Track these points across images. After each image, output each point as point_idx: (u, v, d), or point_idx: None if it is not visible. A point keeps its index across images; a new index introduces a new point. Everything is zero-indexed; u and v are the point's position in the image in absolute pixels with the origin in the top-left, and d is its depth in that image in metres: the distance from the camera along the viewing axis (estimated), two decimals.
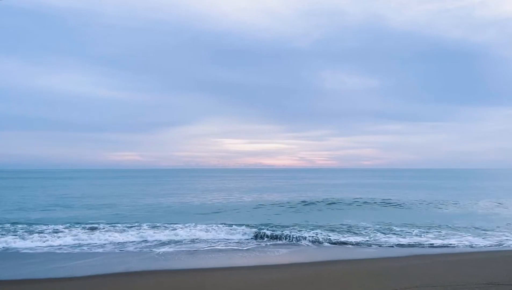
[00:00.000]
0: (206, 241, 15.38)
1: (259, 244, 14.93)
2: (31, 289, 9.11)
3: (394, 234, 16.76)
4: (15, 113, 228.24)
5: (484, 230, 17.88)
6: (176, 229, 17.20)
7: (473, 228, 18.31)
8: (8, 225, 18.10)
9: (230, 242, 15.20)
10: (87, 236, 15.59)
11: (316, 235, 16.17)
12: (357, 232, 17.19)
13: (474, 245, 14.67)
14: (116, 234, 16.07)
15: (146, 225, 18.18)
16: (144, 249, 13.88)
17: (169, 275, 10.22)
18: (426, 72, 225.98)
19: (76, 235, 15.74)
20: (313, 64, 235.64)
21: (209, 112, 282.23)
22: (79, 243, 14.73)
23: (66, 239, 15.18)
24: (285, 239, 15.77)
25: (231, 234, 16.44)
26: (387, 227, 18.45)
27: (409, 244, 14.81)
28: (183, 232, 16.61)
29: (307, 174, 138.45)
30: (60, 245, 14.45)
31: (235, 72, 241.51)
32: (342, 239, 15.56)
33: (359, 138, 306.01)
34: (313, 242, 15.34)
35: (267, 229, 17.10)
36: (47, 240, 14.92)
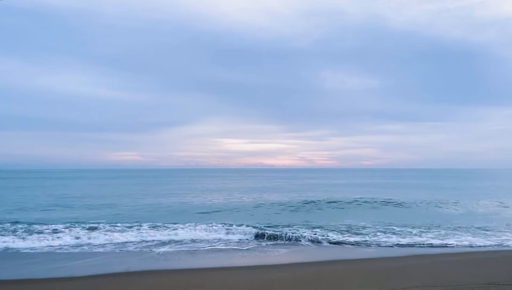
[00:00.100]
0: (206, 241, 15.39)
1: (259, 244, 14.93)
2: (31, 289, 9.11)
3: (394, 234, 16.76)
4: (15, 113, 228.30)
5: (484, 230, 17.88)
6: (176, 229, 17.21)
7: (473, 228, 18.31)
8: (8, 225, 18.09)
9: (230, 242, 15.21)
10: (87, 236, 15.59)
11: (316, 235, 16.17)
12: (357, 232, 17.19)
13: (474, 245, 14.66)
14: (116, 234, 16.07)
15: (146, 225, 18.18)
16: (144, 249, 13.88)
17: (169, 275, 10.23)
18: (426, 72, 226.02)
19: (76, 235, 15.74)
20: (313, 64, 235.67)
21: (209, 112, 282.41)
22: (79, 243, 14.74)
23: (66, 239, 15.18)
24: (285, 239, 15.78)
25: (231, 234, 16.45)
26: (387, 227, 18.45)
27: (409, 244, 14.82)
28: (183, 232, 16.62)
29: (307, 174, 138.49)
30: (60, 245, 14.46)
31: (235, 72, 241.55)
32: (342, 239, 15.56)
33: (359, 138, 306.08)
34: (313, 242, 15.34)
35: (267, 229, 17.10)
36: (47, 240, 14.93)
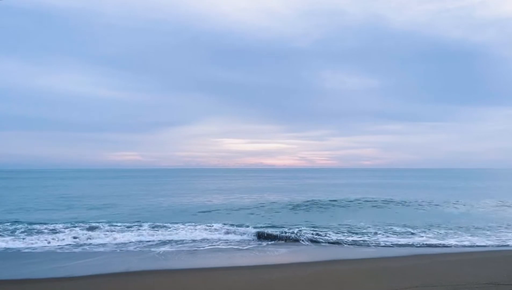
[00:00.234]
0: (206, 240, 15.39)
1: (259, 244, 14.93)
2: (31, 288, 9.11)
3: (394, 234, 16.76)
4: (15, 113, 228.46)
5: (484, 230, 17.87)
6: (176, 229, 17.21)
7: (473, 228, 18.31)
8: (8, 224, 18.12)
9: (230, 242, 15.21)
10: (87, 236, 15.59)
11: (316, 235, 16.17)
12: (357, 232, 17.19)
13: (474, 245, 14.66)
14: (116, 234, 16.07)
15: (147, 225, 18.18)
16: (144, 249, 13.89)
17: (169, 275, 10.23)
18: (426, 72, 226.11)
19: (76, 235, 15.74)
20: (313, 64, 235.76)
21: (209, 112, 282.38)
22: (79, 243, 14.75)
23: (66, 239, 15.19)
24: (285, 239, 15.78)
25: (231, 234, 16.44)
26: (387, 227, 18.45)
27: (409, 244, 14.81)
28: (183, 232, 16.62)
29: (308, 174, 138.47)
30: (60, 245, 14.46)
31: (235, 72, 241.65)
32: (342, 239, 15.56)
33: (359, 138, 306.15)
34: (313, 242, 15.34)
35: (268, 229, 17.10)
36: (47, 240, 14.93)
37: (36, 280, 9.78)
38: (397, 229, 17.88)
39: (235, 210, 25.75)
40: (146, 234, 16.22)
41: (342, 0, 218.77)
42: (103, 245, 14.56)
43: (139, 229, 17.13)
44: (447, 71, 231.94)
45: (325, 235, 16.14)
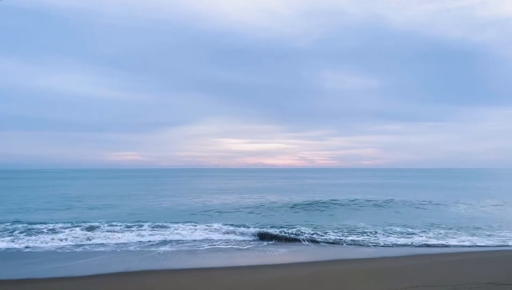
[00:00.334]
0: (206, 240, 15.39)
1: (259, 244, 14.94)
2: (31, 288, 9.11)
3: (394, 234, 16.76)
4: (15, 113, 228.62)
5: (484, 230, 17.88)
6: (176, 229, 17.22)
7: (473, 228, 18.31)
8: (8, 224, 18.12)
9: (230, 242, 15.21)
10: (87, 236, 15.59)
11: (316, 235, 16.18)
12: (357, 232, 17.18)
13: (474, 245, 14.66)
14: (117, 234, 16.08)
15: (147, 224, 18.19)
16: (144, 249, 13.89)
17: (170, 275, 10.23)
18: (426, 72, 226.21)
19: (76, 235, 15.74)
20: (313, 64, 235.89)
21: (209, 112, 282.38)
22: (79, 243, 14.74)
23: (66, 238, 15.18)
24: (285, 239, 15.78)
25: (231, 234, 16.44)
26: (387, 227, 18.45)
27: (409, 244, 14.81)
28: (183, 232, 16.62)
29: (308, 173, 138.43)
30: (60, 245, 14.46)
31: (235, 72, 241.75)
32: (342, 239, 15.56)
33: (359, 138, 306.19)
34: (313, 241, 15.34)
35: (268, 229, 17.10)
36: (47, 240, 14.93)
37: (36, 280, 9.78)
38: (397, 229, 17.88)
39: (235, 210, 25.75)
40: (146, 234, 16.21)
41: (342, 0, 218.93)
42: (103, 245, 14.57)
43: (139, 229, 17.14)
44: (447, 71, 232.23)
45: (325, 235, 16.14)
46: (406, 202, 29.82)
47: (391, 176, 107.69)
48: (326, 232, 16.78)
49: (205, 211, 25.07)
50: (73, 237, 15.42)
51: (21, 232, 16.30)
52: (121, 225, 18.05)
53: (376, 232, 17.01)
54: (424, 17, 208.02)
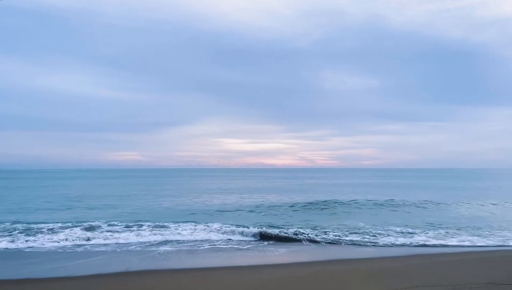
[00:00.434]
0: (206, 240, 15.39)
1: (259, 244, 14.94)
2: (31, 288, 9.11)
3: (394, 234, 16.76)
4: (15, 113, 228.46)
5: (484, 230, 17.88)
6: (176, 229, 17.22)
7: (473, 228, 18.31)
8: (8, 224, 18.12)
9: (230, 242, 15.21)
10: (88, 236, 15.59)
11: (316, 235, 16.18)
12: (357, 232, 17.18)
13: (474, 245, 14.66)
14: (117, 234, 16.09)
15: (147, 224, 18.19)
16: (145, 249, 13.89)
17: (170, 275, 10.23)
18: (426, 72, 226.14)
19: (76, 235, 15.74)
20: (313, 64, 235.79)
21: (209, 112, 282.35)
22: (80, 243, 14.74)
23: (67, 238, 15.19)
24: (285, 239, 15.77)
25: (231, 233, 16.45)
26: (387, 227, 18.45)
27: (409, 244, 14.82)
28: (183, 232, 16.63)
29: (308, 173, 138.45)
30: (60, 245, 14.47)
31: (235, 72, 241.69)
32: (342, 239, 15.56)
33: (359, 138, 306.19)
34: (313, 241, 15.34)
35: (268, 229, 17.10)
36: (47, 240, 14.94)
37: (36, 280, 9.79)
38: (397, 229, 17.88)
39: (235, 210, 25.75)
40: (146, 234, 16.22)
41: (342, 0, 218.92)
42: (103, 245, 14.57)
43: (139, 229, 17.14)
44: (447, 71, 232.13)
45: (325, 235, 16.14)
46: (406, 202, 29.83)
47: (391, 176, 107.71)
48: (326, 232, 16.78)
49: (205, 211, 25.07)
50: (73, 237, 15.42)
51: (21, 232, 16.31)
52: (121, 225, 18.06)
53: (376, 232, 17.00)
54: (424, 17, 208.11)
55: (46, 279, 9.91)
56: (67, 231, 16.54)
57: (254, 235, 16.11)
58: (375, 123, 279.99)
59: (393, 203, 29.13)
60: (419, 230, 17.49)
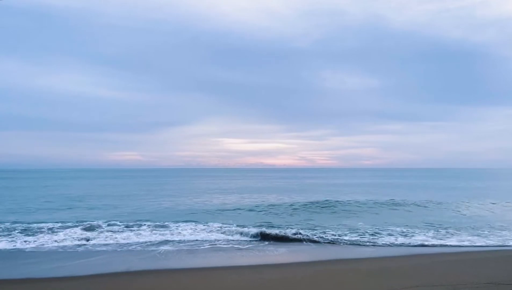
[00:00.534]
0: (206, 240, 15.39)
1: (259, 244, 14.94)
2: (31, 288, 9.12)
3: (394, 233, 16.76)
4: (15, 113, 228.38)
5: (484, 230, 17.88)
6: (176, 229, 17.23)
7: (473, 228, 18.32)
8: (8, 224, 18.12)
9: (230, 242, 15.21)
10: (88, 236, 15.60)
11: (316, 234, 16.18)
12: (357, 231, 17.19)
13: (474, 245, 14.67)
14: (117, 234, 16.09)
15: (147, 224, 18.20)
16: (145, 249, 13.90)
17: (170, 275, 10.24)
18: (426, 72, 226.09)
19: (76, 235, 15.75)
20: (313, 64, 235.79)
21: (209, 112, 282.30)
22: (80, 243, 14.74)
23: (67, 238, 15.19)
24: (285, 239, 15.77)
25: (232, 233, 16.45)
26: (387, 227, 18.46)
27: (409, 244, 14.82)
28: (184, 232, 16.63)
29: (308, 173, 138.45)
30: (60, 245, 14.47)
31: (235, 72, 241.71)
32: (342, 239, 15.56)
33: (360, 137, 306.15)
34: (313, 241, 15.34)
35: (268, 229, 17.10)
36: (47, 240, 14.94)
37: (36, 280, 9.79)
38: (397, 229, 17.88)
39: (235, 209, 25.76)
40: (146, 233, 16.23)
41: (342, 0, 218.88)
42: (104, 244, 14.57)
43: (139, 229, 17.15)
44: (447, 71, 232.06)
45: (325, 235, 16.14)
46: (406, 202, 29.82)
47: (391, 176, 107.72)
48: (326, 232, 16.78)
49: (205, 210, 25.07)
50: (73, 237, 15.43)
51: (21, 232, 16.32)
52: (121, 225, 18.06)
53: (376, 232, 17.01)
54: (424, 17, 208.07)
55: (46, 279, 9.92)
56: (67, 231, 16.54)
57: (254, 235, 16.11)
58: (375, 123, 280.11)
59: (393, 203, 29.13)
60: (419, 230, 17.49)
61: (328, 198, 31.66)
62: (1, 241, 14.76)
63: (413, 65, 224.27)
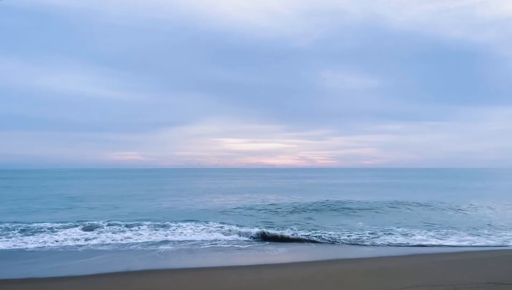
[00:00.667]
0: (206, 240, 15.40)
1: (259, 244, 14.95)
2: (31, 288, 9.12)
3: (394, 233, 16.76)
4: (15, 113, 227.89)
5: (484, 229, 17.88)
6: (176, 229, 17.24)
7: (473, 228, 18.31)
8: (8, 224, 18.12)
9: (230, 242, 15.22)
10: (88, 235, 15.60)
11: (316, 234, 16.18)
12: (357, 231, 17.18)
13: (474, 245, 14.67)
14: (117, 233, 16.09)
15: (147, 224, 18.19)
16: (145, 248, 13.90)
17: (170, 274, 10.24)
18: (426, 72, 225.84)
19: (77, 234, 15.76)
20: (313, 64, 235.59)
21: (209, 112, 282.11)
22: (80, 243, 14.74)
23: (67, 238, 15.20)
24: (285, 238, 15.77)
25: (232, 233, 16.45)
26: (386, 226, 18.46)
27: (409, 244, 14.82)
28: (184, 232, 16.64)
29: (308, 173, 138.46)
30: (60, 244, 14.47)
31: (235, 72, 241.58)
32: (342, 239, 15.57)
33: (360, 137, 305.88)
34: (313, 241, 15.34)
35: (268, 229, 17.09)
36: (48, 239, 14.95)
37: (36, 280, 9.80)
38: (397, 229, 17.88)
39: (235, 209, 25.76)
40: (146, 233, 16.23)
41: (342, 0, 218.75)
42: (104, 244, 14.57)
43: (139, 229, 17.15)
44: (447, 71, 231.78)
45: (325, 235, 16.14)
46: (406, 201, 29.82)
47: (391, 175, 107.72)
48: (326, 232, 16.78)
49: (205, 210, 25.08)
50: (73, 236, 15.44)
51: (21, 232, 16.32)
52: (121, 225, 18.05)
53: (375, 232, 17.01)
54: (424, 17, 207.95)
55: (46, 279, 9.92)
56: (67, 230, 16.55)
57: (254, 235, 16.11)
58: (375, 123, 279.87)
59: (393, 202, 29.12)
60: (418, 230, 17.49)
61: (328, 198, 31.67)
62: (1, 241, 14.76)
63: (413, 65, 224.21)
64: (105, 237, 15.52)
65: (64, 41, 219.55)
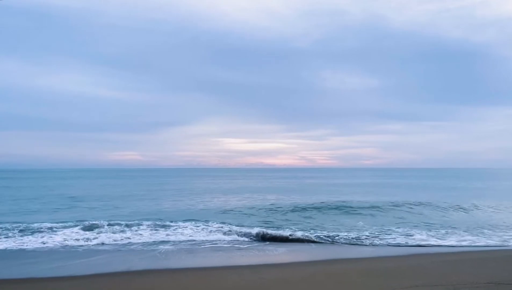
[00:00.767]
0: (206, 240, 15.40)
1: (259, 244, 14.95)
2: (31, 288, 9.12)
3: (394, 233, 16.76)
4: (15, 113, 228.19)
5: (484, 229, 17.88)
6: (177, 229, 17.23)
7: (473, 228, 18.31)
8: (8, 224, 18.12)
9: (230, 242, 15.22)
10: (88, 235, 15.60)
11: (316, 234, 16.18)
12: (357, 231, 17.18)
13: (474, 245, 14.67)
14: (117, 233, 16.09)
15: (147, 224, 18.19)
16: (145, 248, 13.90)
17: (170, 274, 10.24)
18: (426, 72, 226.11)
19: (77, 234, 15.75)
20: (313, 64, 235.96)
21: (209, 112, 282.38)
22: (80, 242, 14.75)
23: (67, 238, 15.19)
24: (285, 238, 15.76)
25: (232, 233, 16.45)
26: (386, 226, 18.46)
27: (409, 244, 14.82)
28: (184, 231, 16.64)
29: (308, 173, 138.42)
30: (61, 244, 14.47)
31: (235, 72, 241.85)
32: (342, 239, 15.56)
33: (360, 137, 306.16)
34: (313, 241, 15.34)
35: (268, 229, 17.11)
36: (48, 239, 14.94)
37: (36, 280, 9.80)
38: (397, 228, 17.89)
39: (235, 209, 25.75)
40: (146, 233, 16.23)
41: (342, 0, 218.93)
42: (104, 244, 14.58)
43: (139, 229, 17.15)
44: (447, 71, 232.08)
45: (325, 235, 16.14)
46: (406, 201, 29.80)
47: (391, 175, 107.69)
48: (326, 232, 16.78)
49: (205, 210, 25.08)
50: (73, 236, 15.43)
51: (21, 232, 16.31)
52: (121, 225, 18.04)
53: (375, 232, 17.01)
54: (424, 17, 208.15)
55: (46, 278, 9.92)
56: (67, 230, 16.54)
57: (254, 235, 16.10)
58: (375, 123, 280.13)
59: (393, 202, 29.10)
60: (418, 230, 17.49)
61: (328, 198, 31.67)
62: (1, 240, 14.76)
63: (413, 65, 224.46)
64: (105, 237, 15.52)
65: (64, 41, 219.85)
